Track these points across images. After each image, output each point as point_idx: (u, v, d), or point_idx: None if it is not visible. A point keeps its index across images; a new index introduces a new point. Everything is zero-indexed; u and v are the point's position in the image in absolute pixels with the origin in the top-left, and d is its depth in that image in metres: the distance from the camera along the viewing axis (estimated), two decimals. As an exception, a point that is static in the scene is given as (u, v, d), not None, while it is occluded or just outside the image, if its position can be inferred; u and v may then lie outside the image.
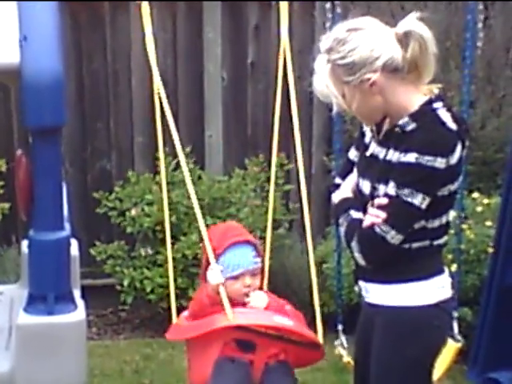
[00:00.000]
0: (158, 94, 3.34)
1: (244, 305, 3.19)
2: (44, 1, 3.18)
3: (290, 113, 3.54)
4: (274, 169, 3.75)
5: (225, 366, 3.12)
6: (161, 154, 3.51)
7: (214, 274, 3.11)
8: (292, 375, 3.25)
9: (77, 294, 3.45)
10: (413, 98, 2.72)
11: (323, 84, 2.74)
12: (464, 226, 4.57)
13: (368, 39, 2.67)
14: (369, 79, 2.67)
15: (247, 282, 3.18)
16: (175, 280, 5.04)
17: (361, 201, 2.83)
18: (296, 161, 3.59)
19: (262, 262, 3.31)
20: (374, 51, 2.65)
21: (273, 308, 3.20)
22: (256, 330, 3.12)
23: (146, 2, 3.36)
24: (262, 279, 3.32)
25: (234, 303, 3.13)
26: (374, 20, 2.73)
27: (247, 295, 3.19)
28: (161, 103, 3.31)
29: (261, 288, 3.30)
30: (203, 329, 3.12)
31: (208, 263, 3.19)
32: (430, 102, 2.72)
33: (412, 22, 2.67)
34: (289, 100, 3.53)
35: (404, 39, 2.66)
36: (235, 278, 3.18)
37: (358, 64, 2.67)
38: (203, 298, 3.17)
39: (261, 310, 3.18)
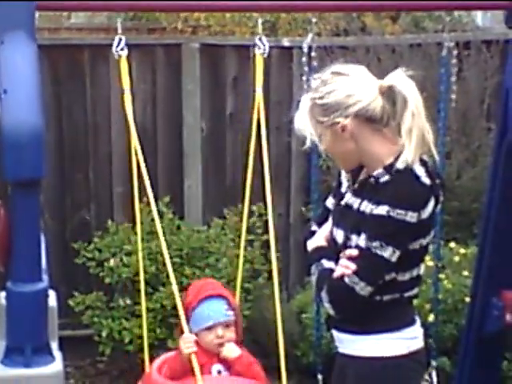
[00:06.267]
0: (135, 151, 3.41)
1: (218, 355, 3.33)
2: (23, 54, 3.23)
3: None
4: (245, 219, 3.92)
5: None
6: (137, 212, 3.57)
7: (187, 344, 3.26)
8: None
9: (54, 345, 3.44)
10: (389, 150, 2.75)
11: (302, 121, 2.80)
12: (441, 276, 4.60)
13: (348, 85, 2.72)
14: (339, 123, 2.72)
15: (219, 333, 3.33)
16: (154, 331, 5.05)
17: (334, 250, 2.85)
18: (265, 211, 3.69)
19: (236, 315, 3.43)
20: (350, 98, 2.71)
21: (242, 363, 3.32)
22: None
23: (124, 58, 3.41)
24: (237, 332, 3.43)
25: (208, 353, 3.31)
26: (363, 69, 2.79)
27: (221, 345, 3.34)
28: (137, 160, 3.38)
29: (236, 341, 3.41)
30: None
31: (182, 331, 3.33)
32: (405, 155, 2.75)
33: (399, 77, 2.71)
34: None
35: (387, 92, 2.71)
36: (208, 329, 3.33)
37: (332, 106, 2.73)
38: (176, 365, 3.30)
39: (230, 378, 3.30)
